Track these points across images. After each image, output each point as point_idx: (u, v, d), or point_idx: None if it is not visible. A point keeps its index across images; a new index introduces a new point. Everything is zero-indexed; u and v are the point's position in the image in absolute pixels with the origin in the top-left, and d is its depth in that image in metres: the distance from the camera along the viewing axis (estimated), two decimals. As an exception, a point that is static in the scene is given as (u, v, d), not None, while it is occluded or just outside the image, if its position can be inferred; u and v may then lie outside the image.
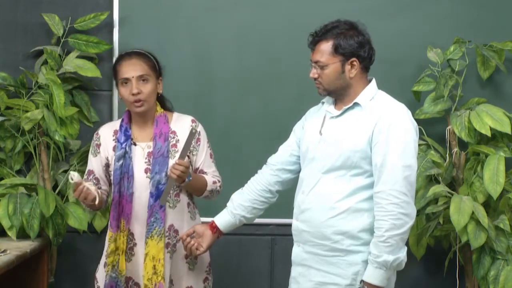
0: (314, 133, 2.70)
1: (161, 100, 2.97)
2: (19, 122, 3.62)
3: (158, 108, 2.93)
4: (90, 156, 2.98)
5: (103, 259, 2.98)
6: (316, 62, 2.62)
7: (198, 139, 2.95)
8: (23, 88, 3.70)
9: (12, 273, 3.30)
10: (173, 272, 2.90)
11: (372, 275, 2.52)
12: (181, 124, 2.94)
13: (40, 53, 3.78)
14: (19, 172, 3.78)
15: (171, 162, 2.84)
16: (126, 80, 2.85)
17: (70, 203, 3.63)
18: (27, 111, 3.61)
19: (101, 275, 2.97)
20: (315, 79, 2.64)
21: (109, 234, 2.88)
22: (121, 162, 2.85)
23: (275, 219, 3.69)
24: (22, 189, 3.60)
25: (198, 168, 2.96)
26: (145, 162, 2.88)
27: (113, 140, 2.93)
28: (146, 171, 2.86)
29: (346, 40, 2.58)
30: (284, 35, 3.78)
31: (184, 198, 2.92)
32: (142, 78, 2.84)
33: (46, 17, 3.73)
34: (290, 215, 2.76)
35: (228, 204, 2.87)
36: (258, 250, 3.85)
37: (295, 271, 2.73)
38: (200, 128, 2.97)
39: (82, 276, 3.87)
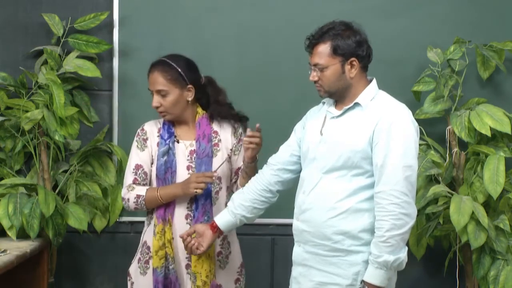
0: (315, 133, 2.69)
1: (218, 101, 3.00)
2: (19, 122, 3.62)
3: (200, 110, 2.99)
4: (137, 151, 2.97)
5: (137, 255, 2.99)
6: (315, 65, 2.62)
7: (240, 140, 3.01)
8: (23, 88, 3.70)
9: (12, 273, 3.30)
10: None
11: (373, 275, 2.52)
12: (222, 125, 3.01)
13: (40, 53, 3.78)
14: (19, 172, 3.77)
15: (215, 161, 2.92)
16: (151, 92, 2.92)
17: (70, 203, 3.62)
18: (27, 111, 3.60)
19: (135, 270, 2.97)
20: (315, 82, 2.64)
21: (159, 227, 2.89)
22: (165, 158, 2.91)
23: (275, 219, 3.69)
24: (22, 189, 3.60)
25: (240, 167, 2.99)
26: (187, 160, 2.93)
27: (157, 136, 2.98)
28: (188, 168, 2.92)
29: (344, 41, 2.58)
30: (284, 35, 3.78)
31: (222, 196, 2.97)
32: (160, 93, 2.90)
33: (46, 17, 3.73)
34: (290, 215, 2.76)
35: (229, 203, 2.87)
36: (258, 250, 3.85)
37: (295, 271, 2.73)
38: (241, 130, 3.03)
39: (82, 276, 3.87)
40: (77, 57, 3.70)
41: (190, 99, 2.93)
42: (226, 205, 2.93)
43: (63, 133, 3.62)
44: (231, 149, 2.99)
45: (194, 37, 3.80)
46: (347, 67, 2.60)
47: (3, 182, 3.59)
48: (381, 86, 2.70)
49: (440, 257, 3.72)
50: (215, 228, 2.84)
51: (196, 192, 2.82)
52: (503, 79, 3.78)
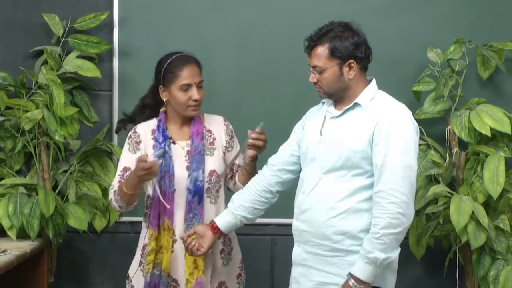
0: (314, 133, 2.70)
1: None
2: (19, 122, 3.62)
3: None
4: (128, 154, 2.94)
5: (137, 258, 2.98)
6: (314, 67, 2.62)
7: (232, 136, 3.03)
8: (23, 88, 3.70)
9: (12, 273, 3.30)
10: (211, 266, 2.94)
11: (360, 269, 2.51)
12: (214, 124, 3.01)
13: (40, 53, 3.78)
14: (19, 172, 3.77)
15: (208, 159, 2.92)
16: (187, 86, 2.88)
17: (70, 203, 3.62)
18: (27, 111, 3.60)
19: (134, 273, 2.96)
20: (314, 83, 2.65)
21: (149, 232, 2.87)
22: (161, 161, 2.87)
23: (275, 219, 3.69)
24: (22, 189, 3.60)
25: (234, 164, 3.01)
26: (186, 160, 2.92)
27: (152, 139, 2.95)
28: (188, 169, 2.90)
29: (341, 43, 2.58)
30: (284, 35, 3.78)
31: (222, 194, 2.97)
32: (200, 84, 2.90)
33: (46, 17, 3.73)
34: (290, 215, 2.76)
35: (229, 204, 2.87)
36: (258, 250, 3.85)
37: (295, 271, 2.73)
38: (231, 126, 3.04)
39: (82, 276, 3.87)
40: (77, 57, 3.70)
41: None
42: (225, 202, 2.94)
43: (63, 133, 3.62)
44: (225, 147, 2.99)
45: (194, 37, 3.80)
46: (345, 69, 2.60)
47: (3, 182, 3.59)
48: (381, 86, 2.70)
49: (440, 257, 3.72)
50: (215, 229, 2.84)
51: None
52: (503, 79, 3.78)
